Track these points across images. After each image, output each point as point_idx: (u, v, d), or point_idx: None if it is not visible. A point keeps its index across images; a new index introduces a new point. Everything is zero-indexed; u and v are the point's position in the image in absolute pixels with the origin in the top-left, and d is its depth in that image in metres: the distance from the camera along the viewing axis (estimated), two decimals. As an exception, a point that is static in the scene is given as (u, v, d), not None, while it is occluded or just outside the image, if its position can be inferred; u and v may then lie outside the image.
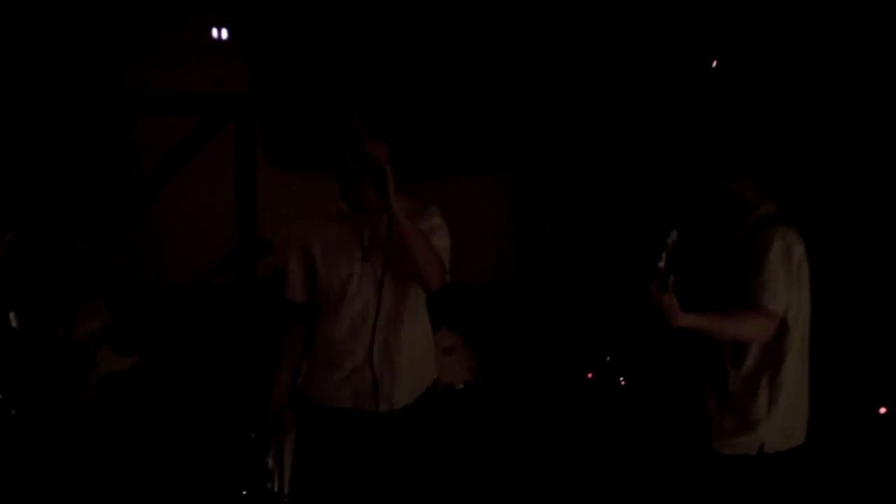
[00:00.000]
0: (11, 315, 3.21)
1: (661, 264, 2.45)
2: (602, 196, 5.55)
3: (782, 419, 2.74)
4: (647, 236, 2.62)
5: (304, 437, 3.16)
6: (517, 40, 5.53)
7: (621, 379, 4.70)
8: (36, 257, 3.28)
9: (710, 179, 2.91)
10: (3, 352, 3.19)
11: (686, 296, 2.58)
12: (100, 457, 3.31)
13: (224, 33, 5.22)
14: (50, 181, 3.49)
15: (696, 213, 3.12)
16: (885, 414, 3.95)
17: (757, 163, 2.86)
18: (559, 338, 5.23)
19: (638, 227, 2.66)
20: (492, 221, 5.85)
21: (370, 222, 2.92)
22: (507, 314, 5.37)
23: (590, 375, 4.85)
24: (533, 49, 5.57)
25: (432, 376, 3.14)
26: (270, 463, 3.77)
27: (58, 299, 3.26)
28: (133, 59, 5.51)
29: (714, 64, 5.34)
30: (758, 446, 2.71)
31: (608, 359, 4.81)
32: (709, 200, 2.94)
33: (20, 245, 3.25)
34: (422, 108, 5.33)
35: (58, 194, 3.41)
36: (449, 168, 5.52)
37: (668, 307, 2.51)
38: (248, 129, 5.77)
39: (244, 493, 3.94)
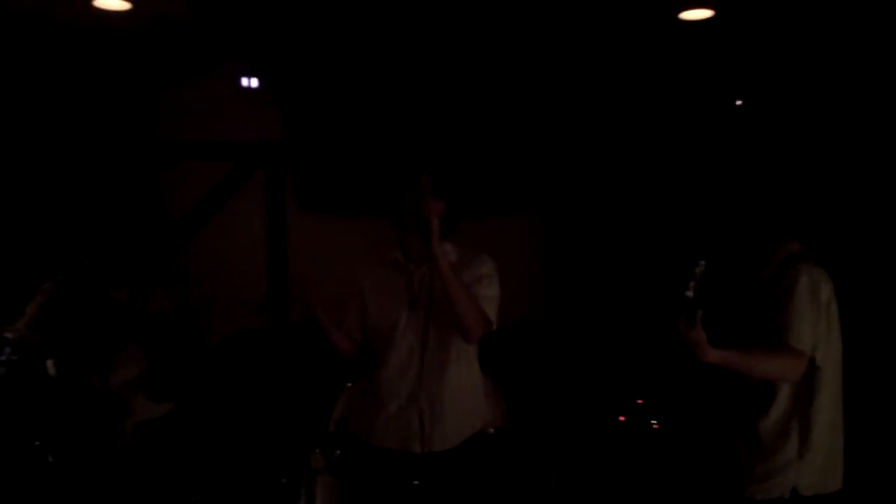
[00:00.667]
0: (49, 363, 3.27)
1: (690, 294, 2.46)
2: (630, 234, 5.55)
3: (816, 462, 2.70)
4: (675, 273, 2.63)
5: (350, 474, 3.27)
6: (544, 84, 5.59)
7: (653, 422, 4.66)
8: (74, 305, 3.33)
9: (740, 225, 2.92)
10: (41, 399, 3.24)
11: (714, 332, 2.59)
12: (137, 501, 3.33)
13: (254, 82, 5.32)
14: (86, 230, 3.55)
15: (723, 251, 3.13)
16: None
17: (792, 217, 2.87)
18: (590, 379, 5.21)
19: (666, 265, 2.67)
20: (520, 261, 5.86)
21: (420, 271, 3.03)
22: (536, 355, 5.36)
23: (622, 418, 4.81)
24: (560, 92, 5.62)
25: (480, 422, 3.21)
26: (302, 508, 3.78)
27: (94, 347, 3.31)
28: (165, 107, 5.65)
29: (738, 102, 5.38)
30: (790, 489, 2.68)
31: (640, 402, 4.78)
32: (735, 239, 2.95)
33: (59, 294, 3.33)
34: (452, 151, 5.39)
35: (94, 243, 3.46)
36: (477, 209, 5.55)
37: (697, 341, 2.51)
38: (278, 174, 5.86)
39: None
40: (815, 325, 2.67)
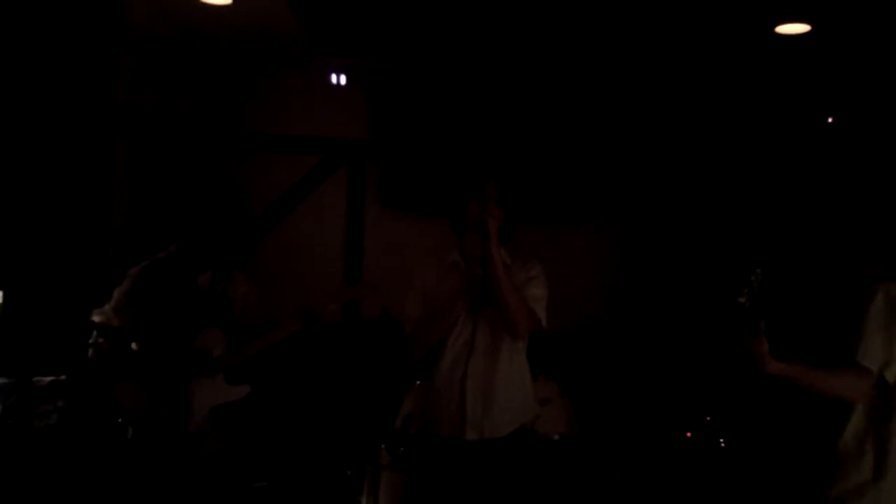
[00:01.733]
0: (133, 345, 3.40)
1: (743, 300, 2.45)
2: (704, 247, 5.47)
3: (893, 485, 2.62)
4: (734, 282, 2.63)
5: (409, 468, 3.56)
6: (632, 95, 5.55)
7: (721, 440, 4.59)
8: (159, 290, 3.44)
9: (829, 243, 2.88)
10: (126, 377, 3.37)
11: (789, 345, 2.57)
12: (207, 484, 3.43)
13: (343, 79, 5.42)
14: (173, 215, 3.66)
15: (807, 267, 3.08)
16: None
17: (880, 238, 2.81)
18: (658, 392, 5.15)
19: (734, 277, 2.65)
20: (592, 271, 5.84)
21: (477, 273, 3.21)
22: (605, 365, 5.33)
23: (689, 434, 4.75)
24: (649, 103, 5.57)
25: (529, 414, 3.39)
26: (364, 501, 3.85)
27: (177, 330, 3.42)
28: (255, 100, 5.80)
29: (830, 120, 5.24)
30: None
31: (708, 419, 4.71)
32: (822, 257, 2.90)
33: (144, 279, 3.45)
34: (524, 161, 5.43)
35: (181, 228, 3.57)
36: (550, 217, 5.56)
37: (759, 352, 2.50)
38: (360, 171, 5.95)
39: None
40: (889, 343, 2.61)
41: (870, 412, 2.66)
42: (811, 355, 2.66)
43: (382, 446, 3.93)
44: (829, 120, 5.21)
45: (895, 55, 4.60)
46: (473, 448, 3.20)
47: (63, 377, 4.20)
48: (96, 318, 3.36)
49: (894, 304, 2.63)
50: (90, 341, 3.35)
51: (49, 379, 4.17)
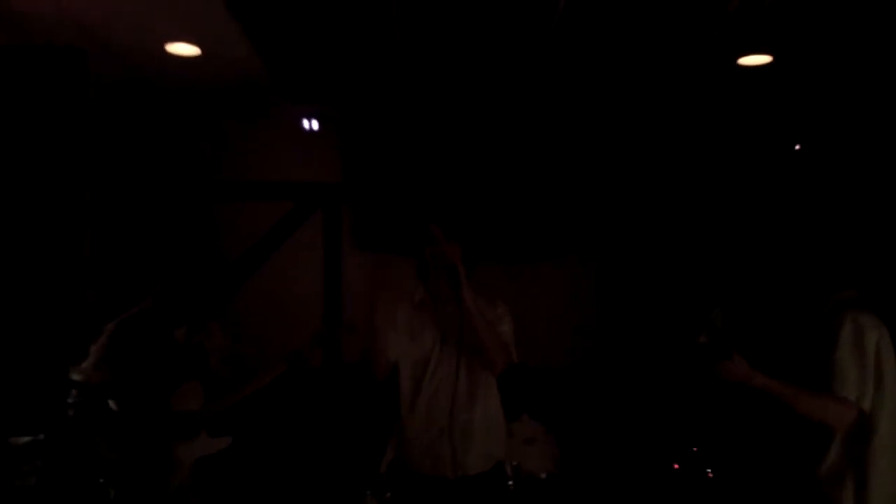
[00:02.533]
0: (111, 402, 3.36)
1: (703, 340, 2.50)
2: (683, 279, 5.51)
3: None
4: (694, 321, 2.67)
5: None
6: (598, 131, 5.62)
7: (708, 470, 4.59)
8: (135, 344, 3.41)
9: (797, 271, 2.90)
10: (104, 437, 3.32)
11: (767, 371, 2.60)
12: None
13: (315, 124, 5.45)
14: (147, 269, 3.64)
15: (776, 296, 3.11)
16: None
17: (849, 264, 2.85)
18: (643, 425, 5.15)
19: (695, 317, 2.71)
20: (571, 306, 5.86)
21: (447, 312, 3.27)
22: (588, 400, 5.33)
23: (676, 466, 4.75)
24: (614, 138, 5.64)
25: (503, 448, 3.42)
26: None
27: (155, 385, 3.39)
28: (226, 148, 5.81)
29: (797, 147, 5.32)
30: None
31: (695, 449, 4.71)
32: (790, 285, 2.93)
33: (121, 333, 3.42)
34: (501, 200, 5.48)
35: (155, 282, 3.55)
36: (528, 255, 5.60)
37: (741, 371, 2.57)
38: (335, 214, 5.96)
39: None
40: (861, 372, 2.64)
41: (846, 441, 2.69)
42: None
43: (368, 493, 3.90)
44: (797, 147, 5.30)
45: (859, 82, 4.70)
46: (456, 485, 3.24)
47: (41, 436, 4.14)
48: (75, 377, 3.33)
49: (860, 333, 2.67)
50: (70, 400, 3.32)
51: (27, 438, 4.10)
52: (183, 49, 4.42)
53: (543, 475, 4.27)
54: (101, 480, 3.34)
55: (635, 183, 5.69)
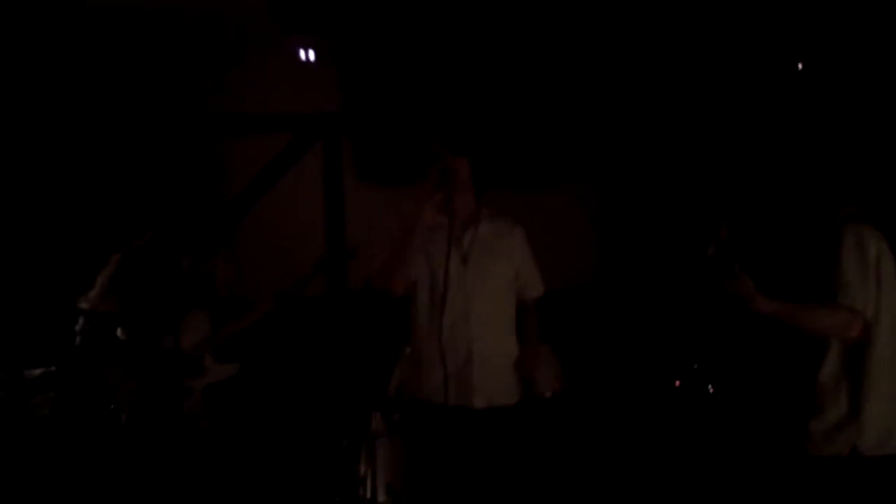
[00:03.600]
0: (120, 330, 3.41)
1: (710, 252, 2.52)
2: (681, 199, 5.52)
3: (873, 421, 2.68)
4: (701, 234, 2.68)
5: (406, 434, 3.49)
6: (593, 56, 5.56)
7: (709, 386, 4.66)
8: (141, 274, 3.45)
9: (801, 187, 2.91)
10: (116, 363, 3.38)
11: (768, 290, 2.61)
12: (202, 462, 3.46)
13: (311, 55, 5.39)
14: (150, 200, 3.67)
15: (779, 212, 3.11)
16: None
17: (852, 181, 2.85)
18: (645, 344, 5.21)
19: (702, 230, 2.72)
20: (574, 228, 5.87)
21: (466, 233, 3.19)
22: (591, 320, 5.38)
23: (677, 383, 4.81)
24: (609, 63, 5.59)
25: (520, 391, 3.32)
26: (362, 470, 3.88)
27: (163, 313, 3.43)
28: (227, 81, 5.76)
29: (800, 66, 5.27)
30: (848, 448, 2.68)
31: (695, 366, 4.77)
32: (794, 201, 2.94)
33: (127, 263, 3.46)
34: (506, 124, 5.43)
35: (158, 213, 3.58)
36: (531, 180, 5.59)
37: (746, 292, 2.56)
38: (335, 146, 5.94)
39: (337, 499, 4.05)
40: (864, 282, 2.66)
41: (845, 353, 2.72)
42: (788, 298, 2.70)
43: (376, 414, 3.96)
44: (799, 66, 5.24)
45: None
46: (481, 416, 3.16)
47: (53, 368, 4.21)
48: (83, 305, 3.38)
49: (862, 245, 2.67)
50: (76, 328, 3.37)
51: (39, 370, 4.17)
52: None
53: (549, 394, 4.32)
54: (112, 407, 3.41)
55: (638, 104, 5.64)
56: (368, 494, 3.81)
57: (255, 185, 5.84)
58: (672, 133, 5.63)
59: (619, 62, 5.58)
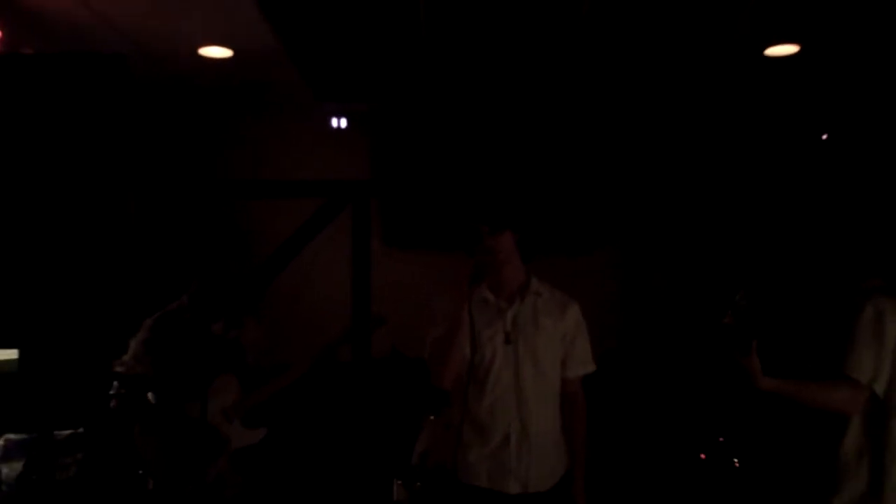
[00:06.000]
0: (150, 395, 3.46)
1: (727, 321, 2.53)
2: (705, 265, 5.52)
3: (893, 497, 2.66)
4: (720, 303, 2.69)
5: (428, 498, 3.45)
6: (625, 121, 5.64)
7: (735, 460, 4.61)
8: (173, 339, 3.51)
9: (825, 260, 2.93)
10: (144, 428, 3.42)
11: (781, 362, 2.61)
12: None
13: (343, 122, 5.51)
14: (182, 266, 3.74)
15: (793, 282, 3.12)
16: None
17: (877, 254, 2.86)
18: (670, 415, 5.17)
19: (720, 298, 2.75)
20: (599, 295, 5.86)
21: (512, 308, 3.12)
22: (615, 389, 5.35)
23: (703, 456, 4.76)
24: (642, 129, 5.66)
25: (566, 464, 3.20)
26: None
27: (192, 377, 3.47)
28: (258, 147, 5.89)
29: (825, 137, 5.31)
30: None
31: (721, 439, 4.72)
32: (817, 273, 2.95)
33: (160, 328, 3.52)
34: (533, 193, 5.48)
35: (192, 278, 3.64)
36: (554, 248, 5.62)
37: (752, 370, 2.57)
38: (364, 211, 6.01)
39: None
40: (877, 355, 2.66)
41: (865, 423, 2.71)
42: (804, 369, 2.71)
43: (398, 482, 3.95)
44: (824, 137, 5.29)
45: (887, 71, 4.69)
46: (515, 501, 3.03)
47: (81, 430, 4.25)
48: (119, 369, 3.43)
49: (880, 317, 2.67)
50: (112, 392, 3.42)
51: (68, 432, 4.21)
52: (215, 52, 4.51)
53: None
54: (140, 472, 3.43)
55: (665, 172, 5.70)
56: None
57: (285, 250, 5.90)
58: (698, 199, 5.67)
59: (645, 129, 5.66)
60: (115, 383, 3.43)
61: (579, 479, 3.16)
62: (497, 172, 5.53)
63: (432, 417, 3.96)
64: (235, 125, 5.83)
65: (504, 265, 3.09)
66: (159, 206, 5.60)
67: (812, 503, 2.79)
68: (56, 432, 4.22)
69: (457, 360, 3.00)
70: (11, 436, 4.13)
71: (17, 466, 4.05)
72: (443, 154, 5.67)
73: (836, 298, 2.81)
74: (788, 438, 3.18)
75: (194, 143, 5.79)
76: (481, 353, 3.05)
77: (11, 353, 4.34)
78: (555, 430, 3.16)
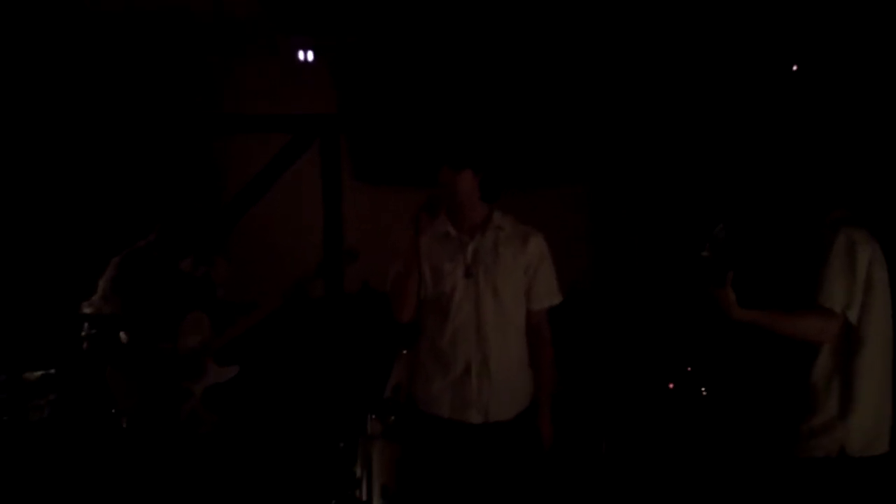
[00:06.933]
0: (122, 334, 3.44)
1: (706, 254, 2.56)
2: (676, 201, 5.55)
3: (862, 423, 2.73)
4: (699, 236, 2.72)
5: (406, 439, 3.41)
6: (586, 57, 5.58)
7: (702, 389, 4.70)
8: (142, 277, 3.48)
9: (792, 191, 2.94)
10: (116, 366, 3.41)
11: (755, 292, 2.66)
12: (201, 465, 3.49)
13: (310, 56, 5.41)
14: (149, 203, 3.69)
15: (770, 215, 3.14)
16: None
17: (844, 184, 2.88)
18: (639, 346, 5.25)
19: (698, 232, 2.78)
20: (568, 230, 5.89)
21: (473, 241, 3.14)
22: (586, 322, 5.42)
23: (671, 385, 4.86)
24: (604, 63, 5.61)
25: (530, 394, 3.23)
26: (358, 471, 3.92)
27: (163, 315, 3.46)
28: (225, 82, 5.79)
29: (794, 68, 5.30)
30: (837, 449, 2.72)
31: (689, 369, 4.82)
32: (785, 204, 2.97)
33: (127, 266, 3.49)
34: (499, 125, 5.44)
35: (158, 216, 3.60)
36: (525, 181, 5.61)
37: (726, 301, 2.61)
38: (333, 146, 5.97)
39: (333, 501, 4.09)
40: (850, 285, 2.69)
41: (835, 351, 2.76)
42: (778, 300, 2.75)
43: (372, 416, 4.00)
44: (794, 68, 5.27)
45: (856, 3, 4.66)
46: (477, 431, 3.09)
47: (53, 371, 4.24)
48: (87, 310, 3.40)
49: (853, 246, 2.71)
50: (83, 334, 3.39)
51: (39, 373, 4.20)
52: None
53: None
54: (113, 410, 3.43)
55: (634, 106, 5.67)
56: (364, 496, 3.85)
57: (253, 186, 5.86)
58: (667, 134, 5.67)
59: (613, 63, 5.61)
60: (86, 324, 3.40)
61: (545, 410, 3.21)
62: (462, 108, 5.47)
63: (405, 351, 4.00)
64: (200, 59, 5.70)
65: (465, 202, 3.11)
66: (123, 141, 5.51)
67: (780, 429, 2.85)
68: (28, 373, 4.21)
69: (413, 294, 3.09)
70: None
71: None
72: (410, 89, 5.60)
73: (805, 230, 2.84)
74: (756, 367, 3.23)
75: (158, 78, 5.66)
76: (442, 285, 3.11)
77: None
78: (518, 361, 3.19)
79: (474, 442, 3.10)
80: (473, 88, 5.55)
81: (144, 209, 3.73)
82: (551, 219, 5.75)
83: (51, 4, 4.23)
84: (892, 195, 4.18)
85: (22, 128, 4.56)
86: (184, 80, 5.71)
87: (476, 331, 3.09)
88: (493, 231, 3.15)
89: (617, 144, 5.79)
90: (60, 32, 4.34)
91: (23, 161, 4.60)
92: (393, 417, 3.95)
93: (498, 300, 3.11)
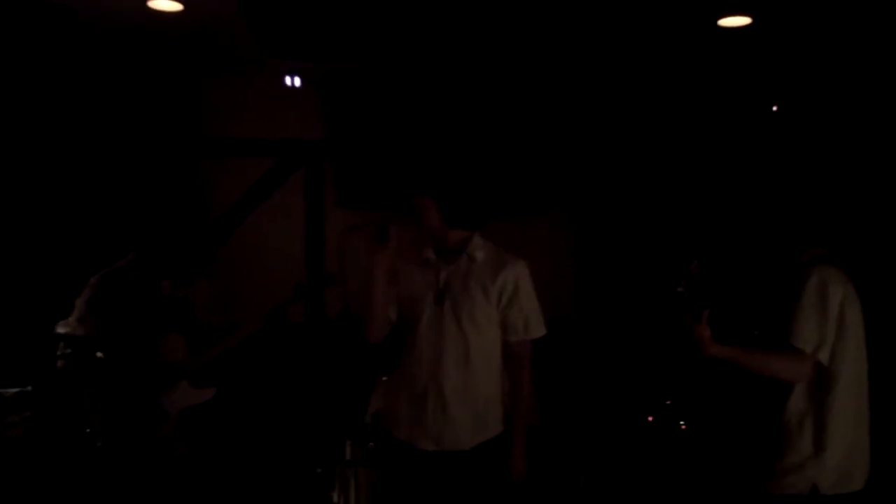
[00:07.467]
0: (98, 354, 3.42)
1: (681, 290, 2.58)
2: (658, 234, 5.59)
3: (834, 461, 2.74)
4: (675, 272, 2.74)
5: (382, 465, 3.36)
6: (576, 88, 5.64)
7: (681, 423, 4.71)
8: (119, 297, 3.46)
9: (770, 228, 2.98)
10: (92, 388, 3.38)
11: (730, 330, 2.68)
12: (177, 487, 3.46)
13: (297, 81, 5.44)
14: (130, 223, 3.69)
15: (749, 253, 3.17)
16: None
17: (821, 223, 2.92)
18: (619, 378, 5.26)
19: (675, 267, 2.80)
20: (550, 260, 5.91)
21: (448, 268, 3.11)
22: (567, 353, 5.42)
23: (650, 418, 4.87)
24: (592, 95, 5.67)
25: (496, 428, 3.15)
26: (335, 497, 3.90)
27: (140, 336, 3.45)
28: (210, 105, 5.79)
29: (775, 108, 5.39)
30: (808, 487, 2.73)
31: (668, 402, 4.83)
32: (763, 242, 3.00)
33: (105, 286, 3.47)
34: (481, 154, 5.47)
35: (138, 236, 3.60)
36: (507, 210, 5.64)
37: (701, 337, 2.63)
38: (318, 171, 5.98)
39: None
40: (821, 325, 2.71)
41: (808, 390, 2.78)
42: (753, 338, 2.78)
43: (350, 442, 3.98)
44: (774, 108, 5.36)
45: (835, 44, 4.75)
46: (431, 458, 3.05)
47: (28, 388, 4.20)
48: (62, 330, 3.38)
49: (825, 287, 2.73)
50: (58, 353, 3.37)
51: (14, 390, 4.16)
52: (164, 4, 4.41)
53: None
54: (88, 430, 3.41)
55: (615, 139, 5.73)
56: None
57: (238, 209, 5.86)
58: (649, 167, 5.73)
59: (594, 95, 5.68)
60: (61, 344, 3.38)
61: (518, 445, 3.14)
62: (442, 135, 5.50)
63: (385, 378, 3.99)
64: (188, 82, 5.72)
65: (431, 227, 3.08)
66: (108, 161, 5.50)
67: (754, 466, 2.86)
68: (3, 390, 4.17)
69: (377, 313, 3.07)
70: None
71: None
72: (396, 113, 5.63)
73: (781, 268, 2.87)
74: (733, 402, 3.25)
75: (145, 100, 5.67)
76: (414, 310, 3.09)
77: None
78: (483, 393, 3.09)
79: (429, 469, 3.05)
80: (455, 116, 5.58)
81: (125, 228, 3.72)
82: (535, 247, 5.82)
83: (37, 23, 4.23)
84: (868, 234, 4.25)
85: (2, 147, 4.54)
86: (170, 103, 5.71)
87: (435, 357, 3.05)
88: (465, 260, 3.10)
89: (600, 174, 5.83)
90: (46, 51, 4.33)
91: (1, 179, 4.58)
92: (371, 444, 3.94)
93: (461, 331, 3.04)
